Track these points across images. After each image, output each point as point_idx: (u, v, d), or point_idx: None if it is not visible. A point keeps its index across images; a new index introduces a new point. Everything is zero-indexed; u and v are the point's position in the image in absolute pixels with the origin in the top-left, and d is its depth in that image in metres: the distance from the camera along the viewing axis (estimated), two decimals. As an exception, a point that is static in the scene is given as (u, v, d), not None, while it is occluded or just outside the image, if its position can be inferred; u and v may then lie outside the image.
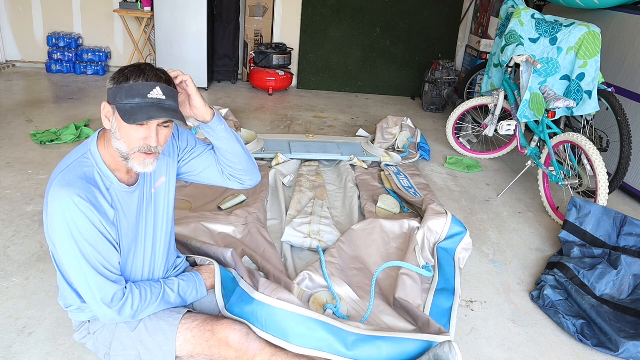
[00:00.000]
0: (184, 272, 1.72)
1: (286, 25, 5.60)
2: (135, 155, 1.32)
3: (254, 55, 5.35)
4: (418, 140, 3.86)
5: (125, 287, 1.41)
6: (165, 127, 1.35)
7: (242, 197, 2.80)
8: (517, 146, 3.48)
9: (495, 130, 3.65)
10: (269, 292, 1.61)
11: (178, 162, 1.59)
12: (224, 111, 4.03)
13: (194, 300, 1.60)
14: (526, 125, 4.09)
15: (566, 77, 3.26)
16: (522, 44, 3.40)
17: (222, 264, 1.88)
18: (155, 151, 1.34)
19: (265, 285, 1.65)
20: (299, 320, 1.55)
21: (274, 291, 1.61)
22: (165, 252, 1.61)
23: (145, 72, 1.30)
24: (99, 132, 1.41)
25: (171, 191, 1.58)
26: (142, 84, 1.28)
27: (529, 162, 3.30)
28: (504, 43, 3.54)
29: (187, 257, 1.81)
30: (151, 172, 1.48)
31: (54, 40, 5.31)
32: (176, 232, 1.89)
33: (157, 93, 1.29)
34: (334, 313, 1.92)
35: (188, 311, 1.57)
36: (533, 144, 3.30)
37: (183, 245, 2.00)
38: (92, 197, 1.30)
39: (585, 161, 2.84)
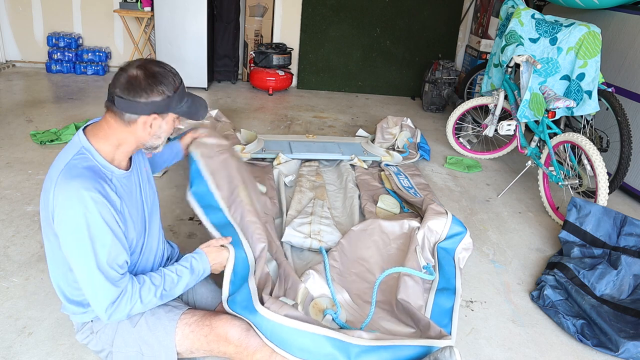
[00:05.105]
0: (177, 256, 1.81)
1: (286, 25, 5.60)
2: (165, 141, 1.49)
3: (254, 55, 5.35)
4: (418, 140, 3.86)
5: (126, 287, 1.38)
6: None
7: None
8: (517, 146, 3.48)
9: (495, 130, 3.65)
10: (276, 309, 1.57)
11: None
12: (214, 112, 4.00)
13: (198, 279, 1.58)
14: (526, 125, 4.09)
15: (566, 77, 3.26)
16: (522, 44, 3.40)
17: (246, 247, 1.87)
18: None
19: (271, 301, 1.62)
20: (305, 335, 1.53)
21: (281, 308, 1.58)
22: (162, 236, 1.68)
23: (172, 71, 1.41)
24: (84, 130, 1.41)
25: (153, 178, 1.70)
26: (182, 85, 1.43)
27: (529, 162, 3.30)
28: (504, 43, 3.54)
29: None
30: (137, 155, 1.57)
31: (54, 40, 5.31)
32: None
33: (183, 84, 1.46)
34: (333, 319, 1.92)
35: (189, 308, 1.57)
36: (533, 144, 3.30)
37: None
38: (102, 188, 1.32)
39: (585, 161, 2.84)
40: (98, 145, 1.38)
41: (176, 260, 1.77)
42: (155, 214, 1.63)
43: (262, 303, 1.61)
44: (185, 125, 3.43)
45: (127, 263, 1.40)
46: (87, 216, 1.27)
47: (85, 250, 1.30)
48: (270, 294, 1.81)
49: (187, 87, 1.48)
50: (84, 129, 1.42)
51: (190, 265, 1.53)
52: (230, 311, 1.58)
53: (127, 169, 1.47)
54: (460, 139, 4.08)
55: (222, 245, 1.69)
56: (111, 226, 1.32)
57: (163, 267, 1.60)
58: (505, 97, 3.58)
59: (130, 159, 1.51)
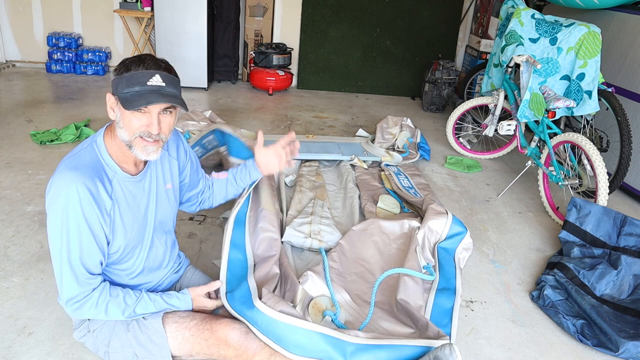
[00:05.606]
0: (184, 269, 1.80)
1: (286, 25, 5.60)
2: (136, 140, 1.34)
3: (254, 55, 5.35)
4: (418, 140, 3.86)
5: (95, 289, 1.39)
6: (167, 114, 1.37)
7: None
8: (517, 146, 3.48)
9: (495, 130, 3.65)
10: (272, 304, 1.59)
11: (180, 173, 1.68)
12: (208, 113, 3.99)
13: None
14: (526, 125, 4.09)
15: (566, 77, 3.26)
16: (522, 44, 3.40)
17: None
18: (158, 139, 1.37)
19: (268, 296, 1.64)
20: (300, 332, 1.53)
21: (277, 304, 1.59)
22: (174, 246, 1.70)
23: (145, 61, 1.33)
24: (106, 126, 1.44)
25: (177, 196, 1.65)
26: (141, 72, 1.31)
27: (529, 162, 3.30)
28: (504, 43, 3.54)
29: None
30: (162, 169, 1.54)
31: (54, 40, 5.31)
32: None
33: (156, 80, 1.31)
34: (332, 321, 1.92)
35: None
36: (533, 144, 3.30)
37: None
38: (94, 187, 1.32)
39: (585, 161, 2.84)
40: (108, 142, 1.40)
41: (184, 268, 1.80)
42: (163, 229, 1.61)
43: (261, 298, 1.62)
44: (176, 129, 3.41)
45: (100, 265, 1.40)
46: (68, 208, 1.29)
47: (59, 240, 1.31)
48: (273, 292, 1.83)
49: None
50: (108, 126, 1.44)
51: (171, 304, 1.54)
52: (229, 306, 1.59)
53: (137, 174, 1.46)
54: (460, 139, 4.08)
55: (209, 295, 1.68)
56: (90, 224, 1.32)
57: (166, 279, 1.63)
58: (505, 97, 3.58)
59: (146, 166, 1.50)
